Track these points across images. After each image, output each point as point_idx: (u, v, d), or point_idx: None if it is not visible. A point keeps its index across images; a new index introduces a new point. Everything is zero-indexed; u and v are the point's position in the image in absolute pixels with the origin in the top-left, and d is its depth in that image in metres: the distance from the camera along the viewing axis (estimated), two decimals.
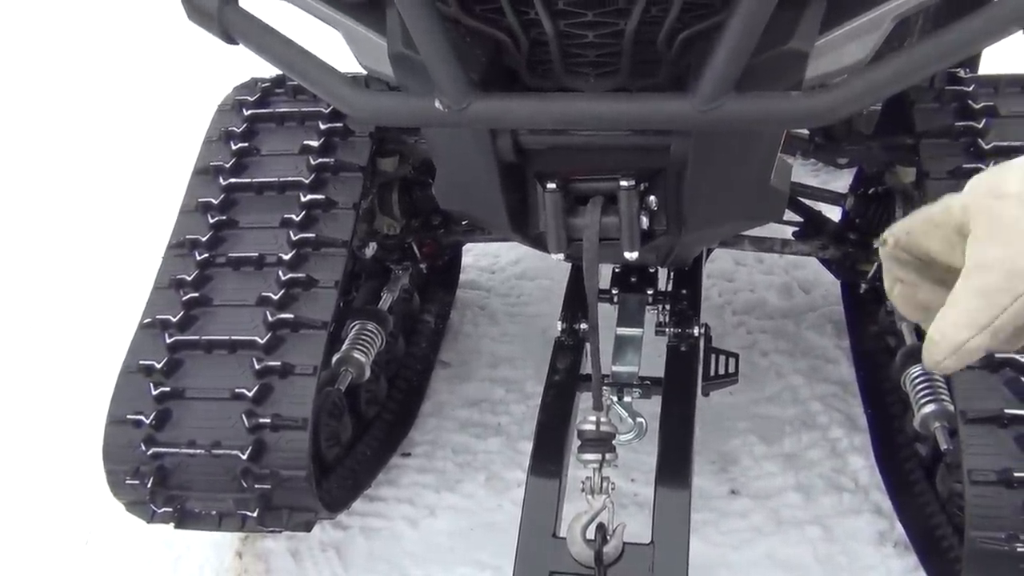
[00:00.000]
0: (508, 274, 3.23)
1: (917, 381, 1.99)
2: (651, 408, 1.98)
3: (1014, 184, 0.79)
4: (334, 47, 1.63)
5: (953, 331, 0.81)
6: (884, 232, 0.91)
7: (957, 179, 1.85)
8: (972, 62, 2.55)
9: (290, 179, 2.08)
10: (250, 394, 1.79)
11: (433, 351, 2.81)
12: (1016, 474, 1.55)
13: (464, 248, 3.15)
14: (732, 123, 1.33)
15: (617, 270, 2.30)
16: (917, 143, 1.95)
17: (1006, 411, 1.60)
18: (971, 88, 1.98)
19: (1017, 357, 1.65)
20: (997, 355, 1.65)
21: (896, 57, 1.32)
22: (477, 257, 3.29)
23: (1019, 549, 1.52)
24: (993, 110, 1.92)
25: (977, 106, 1.94)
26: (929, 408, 1.93)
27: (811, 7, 1.36)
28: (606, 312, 2.28)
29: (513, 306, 3.07)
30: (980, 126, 1.90)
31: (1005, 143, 1.85)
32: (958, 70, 2.04)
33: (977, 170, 1.83)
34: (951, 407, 1.82)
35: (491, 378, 2.75)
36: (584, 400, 2.01)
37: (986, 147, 1.86)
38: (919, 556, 2.02)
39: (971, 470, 1.58)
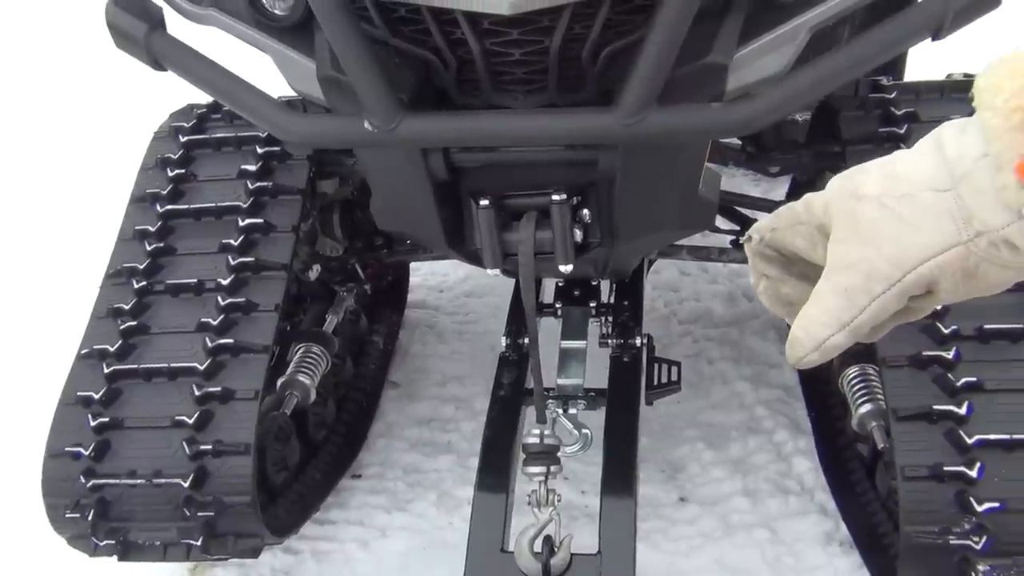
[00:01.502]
0: (456, 292, 3.24)
1: (854, 382, 2.03)
2: (599, 419, 2.00)
3: (872, 186, 0.81)
4: (272, 73, 1.64)
5: (816, 328, 0.84)
6: (750, 229, 0.94)
7: None
8: (897, 70, 2.63)
9: (228, 204, 2.07)
10: (191, 421, 1.78)
11: (382, 372, 2.81)
12: (946, 468, 1.59)
13: (412, 267, 3.16)
14: (655, 135, 1.36)
15: (560, 284, 2.32)
16: (844, 150, 2.01)
17: (935, 407, 1.64)
18: (893, 95, 2.04)
19: (944, 354, 1.69)
20: (924, 353, 1.70)
21: (811, 67, 1.36)
22: (425, 276, 3.30)
23: (952, 542, 1.56)
24: (914, 116, 1.98)
25: (899, 113, 1.99)
26: (865, 408, 1.97)
27: (728, 21, 1.40)
28: (550, 326, 2.31)
29: (462, 324, 3.08)
30: (902, 132, 1.96)
31: None
32: (881, 78, 2.10)
33: None
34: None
35: (440, 396, 2.76)
36: (531, 414, 2.02)
37: None
38: (862, 554, 2.06)
39: (903, 466, 1.62)
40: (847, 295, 0.82)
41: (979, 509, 1.55)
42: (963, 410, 1.62)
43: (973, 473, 1.57)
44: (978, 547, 1.54)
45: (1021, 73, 0.72)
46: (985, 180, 0.73)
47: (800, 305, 0.87)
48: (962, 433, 1.60)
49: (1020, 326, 1.69)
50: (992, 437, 1.59)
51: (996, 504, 1.54)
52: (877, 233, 0.80)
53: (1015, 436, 1.59)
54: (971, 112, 2.03)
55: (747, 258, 2.35)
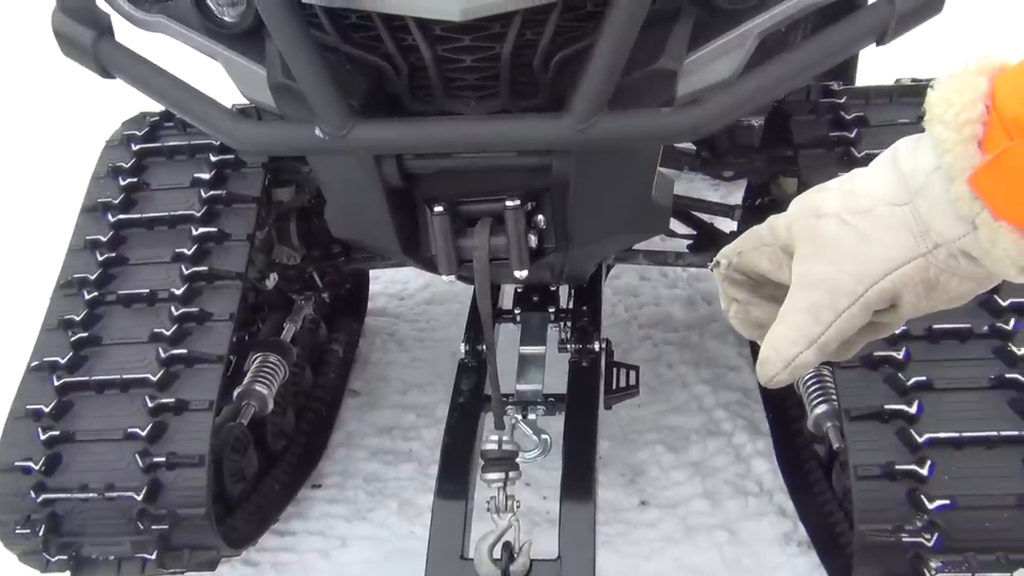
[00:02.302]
0: (417, 300, 3.23)
1: (809, 383, 2.06)
2: (559, 425, 2.00)
3: (832, 204, 0.83)
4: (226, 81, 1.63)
5: (784, 347, 0.84)
6: (717, 255, 0.94)
7: None
8: (848, 75, 2.67)
9: (181, 213, 2.05)
10: (143, 433, 1.76)
11: (342, 380, 2.79)
12: (898, 467, 1.61)
13: (372, 275, 3.15)
14: (606, 141, 1.37)
15: (519, 290, 2.33)
16: (796, 154, 2.03)
17: (886, 407, 1.67)
18: (844, 100, 2.07)
19: (895, 354, 1.72)
20: (875, 353, 1.72)
21: (759, 72, 1.38)
22: (386, 284, 3.29)
23: (904, 540, 1.58)
24: (864, 120, 2.01)
25: (849, 117, 2.02)
26: (821, 409, 2.00)
27: (677, 27, 1.41)
28: (510, 331, 2.32)
29: (422, 331, 3.07)
30: (852, 136, 1.99)
31: (876, 151, 1.92)
32: (832, 83, 2.14)
33: None
34: None
35: (402, 404, 2.75)
36: (491, 420, 2.02)
37: (859, 155, 1.94)
38: (819, 553, 2.08)
39: (856, 465, 1.64)
40: (813, 312, 0.83)
41: (930, 507, 1.57)
42: (914, 409, 1.65)
43: (924, 471, 1.60)
44: (930, 544, 1.57)
45: (970, 88, 0.73)
46: (939, 192, 0.75)
47: (769, 327, 0.87)
48: (913, 432, 1.63)
49: (968, 326, 1.72)
50: (942, 435, 1.62)
51: (946, 501, 1.57)
52: (839, 249, 0.81)
53: (964, 434, 1.62)
54: (920, 115, 2.06)
55: (703, 263, 2.36)
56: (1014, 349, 1.69)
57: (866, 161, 1.95)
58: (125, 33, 1.58)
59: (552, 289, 2.30)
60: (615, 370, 2.15)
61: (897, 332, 1.72)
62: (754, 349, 2.75)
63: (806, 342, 0.83)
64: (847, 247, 0.80)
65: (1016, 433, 1.62)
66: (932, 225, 0.76)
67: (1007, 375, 1.67)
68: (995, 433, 1.62)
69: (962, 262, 0.77)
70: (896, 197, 0.79)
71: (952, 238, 0.75)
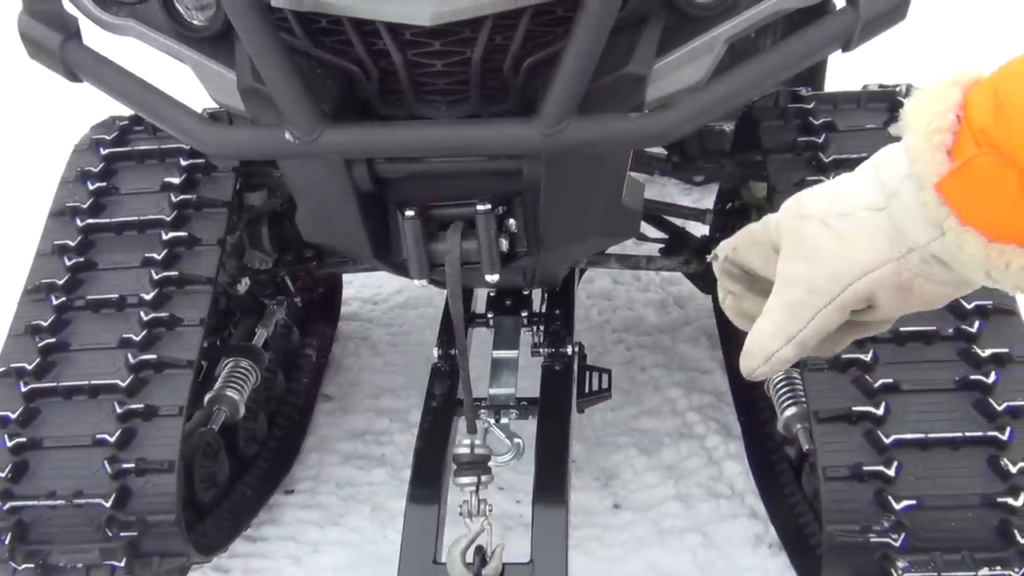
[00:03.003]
0: (391, 304, 3.23)
1: (780, 386, 2.08)
2: (532, 428, 2.01)
3: (816, 206, 0.85)
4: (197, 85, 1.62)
5: (766, 341, 0.87)
6: (716, 247, 0.97)
7: None
8: (816, 81, 2.70)
9: (151, 217, 2.03)
10: (112, 439, 1.74)
11: (315, 385, 2.78)
12: (866, 468, 1.63)
13: (345, 280, 3.14)
14: (576, 145, 1.38)
15: (492, 294, 2.33)
16: (765, 159, 2.05)
17: (854, 408, 1.68)
18: (812, 105, 2.09)
19: (863, 357, 1.73)
20: (843, 355, 1.74)
21: (727, 78, 1.39)
22: (359, 289, 3.28)
23: (872, 540, 1.60)
24: (832, 125, 2.03)
25: (817, 122, 2.04)
26: (791, 411, 2.02)
27: (646, 33, 1.42)
28: (483, 336, 2.32)
29: (396, 336, 3.07)
30: (820, 141, 2.00)
31: (843, 156, 1.96)
32: (800, 89, 2.16)
33: (819, 182, 1.95)
34: None
35: (375, 409, 2.74)
36: (464, 424, 2.02)
37: (826, 160, 1.96)
38: (789, 555, 2.10)
39: (825, 467, 1.66)
40: (791, 309, 0.85)
41: (897, 507, 1.59)
42: (881, 411, 1.67)
43: (891, 472, 1.61)
44: (897, 544, 1.58)
45: (943, 99, 0.75)
46: (910, 198, 0.77)
47: None
48: (880, 433, 1.64)
49: (933, 328, 1.74)
50: (908, 436, 1.64)
51: (913, 501, 1.59)
52: (818, 250, 0.83)
53: (930, 435, 1.64)
54: (887, 120, 2.07)
55: (674, 267, 2.37)
56: (978, 351, 1.72)
57: (834, 166, 1.98)
58: (95, 38, 1.58)
59: (525, 293, 2.31)
60: (588, 374, 2.16)
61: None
62: (726, 352, 2.78)
63: (785, 338, 0.85)
64: (825, 248, 0.82)
65: (980, 434, 1.64)
66: (904, 229, 0.78)
67: (971, 377, 1.69)
68: (960, 434, 1.64)
69: (935, 267, 0.79)
70: (875, 202, 0.81)
71: (923, 242, 0.77)
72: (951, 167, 0.73)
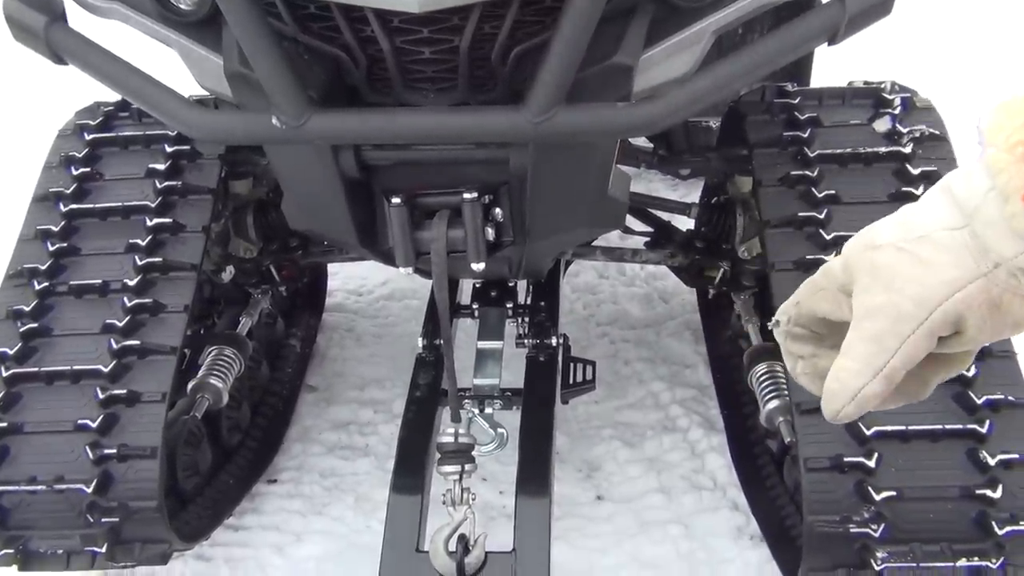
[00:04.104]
0: (375, 296, 3.22)
1: (762, 378, 2.09)
2: (516, 419, 2.01)
3: (886, 235, 0.84)
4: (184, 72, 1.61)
5: (850, 378, 0.83)
6: (775, 315, 0.94)
7: (787, 186, 1.96)
8: (802, 77, 2.72)
9: (135, 203, 2.02)
10: (94, 425, 1.73)
11: (299, 375, 2.77)
12: (847, 459, 1.64)
13: (331, 271, 3.13)
14: (563, 134, 1.38)
15: (477, 285, 2.33)
16: (751, 153, 2.06)
17: None
18: (797, 101, 2.10)
19: None
20: None
21: (714, 70, 1.40)
22: (344, 280, 3.27)
23: (852, 530, 1.61)
24: (817, 120, 2.05)
25: (803, 117, 2.06)
26: (773, 404, 2.03)
27: (634, 24, 1.42)
28: (468, 327, 2.32)
29: (381, 327, 3.06)
30: (806, 136, 2.02)
31: (828, 151, 1.97)
32: (786, 85, 2.17)
33: (804, 177, 1.96)
34: None
35: (359, 400, 2.74)
36: (448, 415, 2.02)
37: (811, 155, 1.97)
38: (770, 546, 2.11)
39: (806, 458, 1.67)
40: (876, 340, 0.82)
41: (877, 498, 1.60)
42: None
43: (872, 463, 1.63)
44: (876, 534, 1.59)
45: (1019, 113, 0.76)
46: (994, 211, 0.76)
47: None
48: (861, 425, 1.66)
49: None
50: (889, 428, 1.65)
51: (893, 492, 1.60)
52: (898, 276, 0.81)
53: (910, 427, 1.65)
54: (872, 116, 2.06)
55: (660, 260, 2.35)
56: None
57: (819, 160, 1.98)
58: (81, 21, 1.57)
59: (510, 285, 2.31)
60: (572, 365, 2.17)
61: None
62: (710, 347, 2.79)
63: (871, 372, 0.82)
64: (906, 273, 0.81)
65: (960, 427, 1.65)
66: (990, 245, 0.77)
67: None
68: (940, 427, 1.65)
69: (1023, 281, 0.78)
70: (952, 222, 0.80)
71: (1009, 255, 0.76)
72: None
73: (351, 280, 3.27)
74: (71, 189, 2.06)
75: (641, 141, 2.58)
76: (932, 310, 0.80)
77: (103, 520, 1.70)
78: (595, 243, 2.44)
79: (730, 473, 2.40)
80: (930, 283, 0.80)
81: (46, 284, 1.92)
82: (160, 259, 1.94)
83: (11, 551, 1.72)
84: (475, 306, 2.28)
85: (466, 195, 1.55)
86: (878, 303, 0.82)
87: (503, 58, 1.44)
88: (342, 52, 1.45)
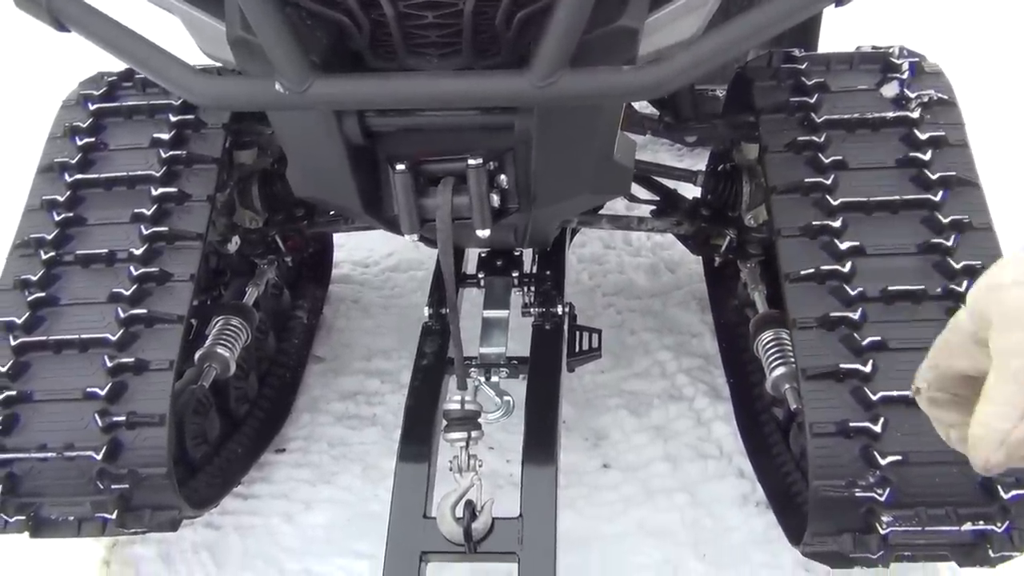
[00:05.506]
0: (382, 267, 3.23)
1: (768, 345, 2.09)
2: (522, 388, 2.01)
3: (1010, 275, 0.81)
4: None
5: (996, 422, 0.80)
6: (914, 382, 0.92)
7: (794, 152, 1.95)
8: (810, 42, 2.69)
9: (140, 173, 2.02)
10: (103, 393, 1.74)
11: (306, 346, 2.78)
12: (852, 424, 1.64)
13: (337, 243, 3.13)
14: (568, 98, 1.37)
15: (483, 254, 2.33)
16: (757, 119, 2.04)
17: (841, 366, 1.69)
18: (804, 66, 2.08)
19: (851, 315, 1.74)
20: (831, 314, 1.74)
21: (720, 31, 1.38)
22: (350, 251, 3.28)
23: (858, 495, 1.62)
24: (824, 86, 2.03)
25: (810, 83, 2.04)
26: (779, 371, 2.03)
27: None
28: (474, 296, 2.32)
29: (387, 298, 3.07)
30: (813, 101, 2.00)
31: (835, 116, 1.96)
32: (793, 50, 2.15)
33: (811, 143, 1.94)
34: None
35: (366, 370, 2.75)
36: (454, 383, 2.02)
37: (818, 120, 1.96)
38: (775, 512, 2.12)
39: (812, 423, 1.67)
40: (1019, 379, 0.78)
41: (883, 462, 1.60)
42: (868, 368, 1.68)
43: (877, 428, 1.63)
44: (882, 499, 1.60)
45: None
46: None
47: None
48: (867, 390, 1.66)
49: (922, 287, 1.75)
50: (895, 393, 1.65)
51: (898, 457, 1.60)
52: None
53: None
54: (880, 81, 2.03)
55: (666, 228, 2.32)
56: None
57: (826, 126, 1.96)
58: None
59: (516, 254, 2.31)
60: (578, 333, 2.17)
61: (853, 293, 1.76)
62: (716, 316, 2.79)
63: (1018, 413, 0.79)
64: None
65: None
66: None
67: None
68: None
69: None
70: None
71: None
72: None
73: (357, 251, 3.28)
74: (76, 159, 2.06)
75: (648, 108, 2.56)
76: None
77: (113, 487, 1.71)
78: (601, 211, 2.43)
79: (736, 441, 2.41)
80: None
81: (53, 254, 1.92)
82: (166, 228, 1.95)
83: (23, 518, 1.74)
84: (481, 275, 2.27)
85: (471, 161, 1.55)
86: (1015, 342, 0.78)
87: (507, 22, 1.43)
88: (345, 17, 1.44)
